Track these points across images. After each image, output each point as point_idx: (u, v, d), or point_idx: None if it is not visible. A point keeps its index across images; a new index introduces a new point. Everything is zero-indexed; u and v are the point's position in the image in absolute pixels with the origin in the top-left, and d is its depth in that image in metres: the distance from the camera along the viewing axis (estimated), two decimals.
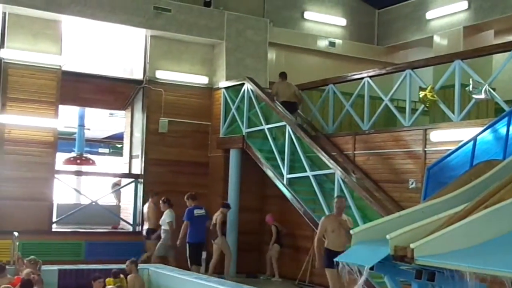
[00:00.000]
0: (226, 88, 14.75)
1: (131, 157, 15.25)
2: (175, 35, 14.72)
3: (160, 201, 13.39)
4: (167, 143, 14.71)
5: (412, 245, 5.38)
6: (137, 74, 14.91)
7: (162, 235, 13.21)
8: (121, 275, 10.16)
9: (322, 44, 16.93)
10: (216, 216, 13.24)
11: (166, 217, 13.23)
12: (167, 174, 14.58)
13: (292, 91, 14.30)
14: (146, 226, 13.90)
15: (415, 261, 5.37)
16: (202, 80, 15.21)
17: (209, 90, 15.24)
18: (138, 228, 14.46)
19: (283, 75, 14.65)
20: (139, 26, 14.33)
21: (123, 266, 10.56)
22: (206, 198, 14.85)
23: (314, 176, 11.93)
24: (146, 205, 13.95)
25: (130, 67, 15.18)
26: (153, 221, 13.61)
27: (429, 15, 16.23)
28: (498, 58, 12.73)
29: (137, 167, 14.77)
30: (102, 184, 18.33)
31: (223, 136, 14.67)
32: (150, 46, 14.73)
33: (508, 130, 7.63)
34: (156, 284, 10.99)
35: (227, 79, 14.81)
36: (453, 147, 9.16)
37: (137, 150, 14.90)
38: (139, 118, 14.90)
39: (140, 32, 14.63)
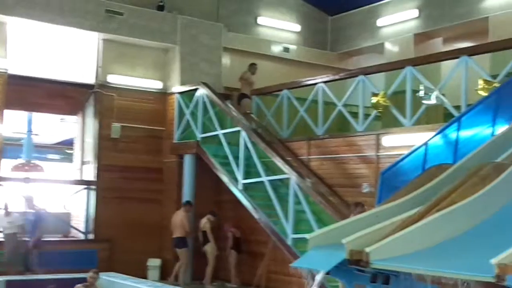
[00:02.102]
0: (180, 93, 14.70)
1: (82, 163, 15.04)
2: (127, 39, 14.60)
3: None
4: (120, 148, 14.57)
5: (367, 249, 5.45)
6: (89, 79, 14.70)
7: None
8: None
9: (276, 49, 17.03)
10: (204, 224, 13.25)
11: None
12: (120, 180, 14.43)
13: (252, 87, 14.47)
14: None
15: (370, 265, 5.44)
16: (156, 84, 15.12)
17: (163, 95, 15.16)
18: (90, 236, 14.24)
19: (253, 67, 14.81)
20: (90, 29, 14.16)
21: (76, 275, 10.41)
22: (160, 204, 14.79)
23: (269, 181, 11.97)
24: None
25: (82, 71, 14.96)
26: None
27: (380, 22, 16.48)
28: (447, 65, 12.99)
29: (89, 174, 14.58)
30: (52, 191, 17.97)
31: (177, 142, 14.60)
32: (102, 50, 14.56)
33: (457, 135, 7.81)
34: None
35: (181, 84, 14.76)
36: (405, 152, 9.32)
37: (89, 156, 14.71)
38: (91, 124, 14.71)
39: (91, 35, 14.45)
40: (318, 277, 5.91)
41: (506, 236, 5.07)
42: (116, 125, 14.49)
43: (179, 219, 13.49)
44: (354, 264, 5.65)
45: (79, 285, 10.17)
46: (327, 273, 5.98)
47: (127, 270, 12.36)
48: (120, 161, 14.50)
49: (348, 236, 5.79)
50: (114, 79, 14.62)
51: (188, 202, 13.60)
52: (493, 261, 4.37)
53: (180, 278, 13.40)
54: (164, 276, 14.10)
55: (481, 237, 5.44)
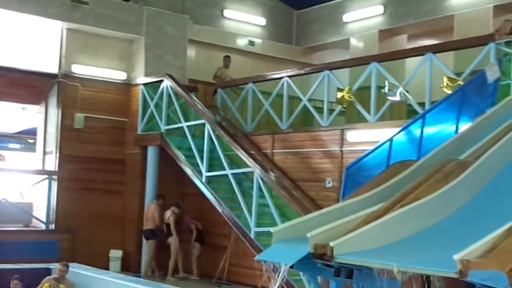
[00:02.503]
0: (145, 84, 14.58)
1: (44, 153, 14.83)
2: (92, 29, 14.42)
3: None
4: (83, 139, 14.40)
5: (331, 243, 5.48)
6: (52, 68, 14.46)
7: None
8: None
9: (242, 42, 17.00)
10: (168, 216, 13.23)
11: None
12: (82, 171, 14.27)
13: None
14: (147, 227, 13.57)
15: (334, 259, 5.47)
16: (120, 75, 14.97)
17: (127, 86, 15.02)
18: (51, 226, 14.07)
19: (228, 60, 14.85)
20: (55, 18, 13.93)
21: (36, 266, 10.28)
22: (122, 195, 14.69)
23: (233, 174, 11.96)
24: (149, 207, 13.64)
25: (45, 60, 14.71)
26: (154, 222, 13.43)
27: (346, 17, 16.56)
28: (411, 62, 13.13)
29: (51, 164, 14.38)
30: (13, 181, 17.73)
31: (141, 133, 14.49)
32: (66, 39, 14.35)
33: (422, 132, 7.90)
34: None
35: (145, 75, 14.63)
36: (368, 147, 9.39)
37: (51, 146, 14.50)
38: (54, 113, 14.49)
39: (55, 24, 14.23)
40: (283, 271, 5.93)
41: (469, 232, 5.14)
42: (80, 116, 14.32)
43: (150, 212, 13.51)
44: (318, 258, 5.68)
45: (48, 277, 10.05)
46: (291, 267, 6.01)
47: (88, 261, 12.26)
48: (83, 151, 14.34)
49: (312, 230, 5.81)
50: (78, 69, 14.43)
51: (160, 196, 13.53)
52: (456, 257, 4.43)
53: (143, 268, 13.48)
54: (125, 267, 14.01)
55: (444, 233, 5.51)
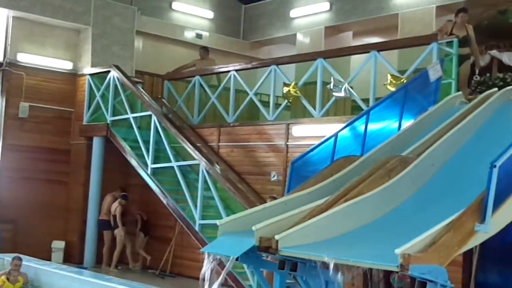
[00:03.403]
0: (91, 75, 14.40)
1: None
2: (39, 18, 14.13)
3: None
4: (27, 128, 14.13)
5: (276, 237, 5.57)
6: None
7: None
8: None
9: (189, 35, 16.96)
10: (115, 208, 13.20)
11: None
12: (25, 160, 14.01)
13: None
14: (101, 217, 13.62)
15: (279, 252, 5.57)
16: (66, 65, 14.75)
17: (73, 76, 14.81)
18: None
19: (204, 51, 14.74)
20: (0, 6, 13.64)
21: None
22: (67, 186, 14.52)
23: (179, 166, 11.97)
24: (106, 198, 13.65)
25: None
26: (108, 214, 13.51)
27: (293, 13, 16.69)
28: (356, 58, 13.36)
29: None
30: None
31: (87, 124, 14.33)
32: (12, 28, 14.05)
33: (366, 128, 8.06)
34: None
35: (92, 66, 14.45)
36: (313, 142, 9.53)
37: None
38: None
39: (1, 12, 13.92)
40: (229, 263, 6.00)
41: (411, 227, 5.30)
42: (24, 105, 14.05)
43: (106, 203, 13.55)
44: (263, 251, 5.77)
45: (3, 271, 9.89)
46: (236, 259, 6.08)
47: (31, 251, 12.03)
48: (27, 141, 14.09)
49: (258, 223, 5.90)
50: (23, 57, 14.15)
51: (124, 196, 13.46)
52: (397, 251, 4.56)
53: (104, 259, 13.49)
54: (67, 258, 13.86)
55: (386, 227, 5.67)
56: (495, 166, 5.11)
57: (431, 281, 4.57)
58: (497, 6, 12.76)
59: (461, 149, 7.03)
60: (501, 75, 11.92)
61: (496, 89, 8.84)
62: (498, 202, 5.24)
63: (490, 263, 7.60)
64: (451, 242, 4.90)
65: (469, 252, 8.14)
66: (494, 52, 12.25)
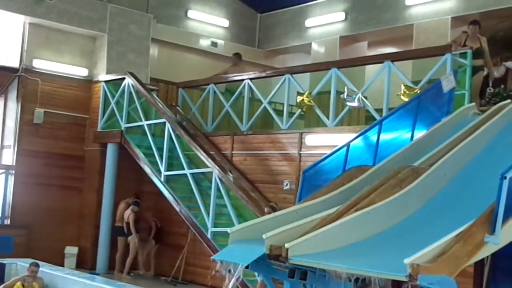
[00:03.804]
0: (106, 81, 14.53)
1: (2, 147, 14.64)
2: (55, 24, 14.31)
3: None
4: (42, 134, 14.28)
5: (286, 245, 5.59)
6: (13, 62, 14.30)
7: None
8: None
9: (205, 43, 17.04)
10: (128, 215, 13.31)
11: None
12: (40, 166, 14.15)
13: None
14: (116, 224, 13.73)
15: (289, 261, 5.59)
16: (82, 72, 14.89)
17: (89, 82, 14.95)
18: (6, 221, 13.91)
19: (236, 57, 14.74)
20: (18, 12, 13.81)
21: None
22: (81, 192, 14.62)
23: (192, 174, 12.02)
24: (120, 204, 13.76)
25: (6, 54, 14.54)
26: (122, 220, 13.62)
27: (308, 22, 16.73)
28: (370, 68, 13.37)
29: (9, 158, 14.22)
30: None
31: (101, 130, 14.44)
32: (28, 34, 14.22)
33: (378, 138, 8.07)
34: None
35: (107, 73, 14.59)
36: (326, 151, 9.53)
37: (9, 140, 14.32)
38: (13, 107, 14.30)
39: (18, 18, 14.09)
40: (237, 271, 6.02)
41: (420, 238, 5.30)
42: (39, 111, 14.20)
43: (120, 210, 13.65)
44: (273, 259, 5.79)
45: (19, 276, 9.96)
46: (246, 267, 6.10)
47: (44, 257, 12.13)
48: (42, 147, 14.23)
49: (268, 231, 5.92)
50: (39, 64, 14.31)
51: (136, 203, 13.53)
52: (406, 261, 4.57)
53: (116, 265, 13.54)
54: (80, 264, 13.94)
55: (396, 237, 5.67)
56: (505, 177, 5.11)
57: None
58: (511, 18, 12.75)
59: (473, 160, 7.02)
60: None
61: (509, 100, 8.82)
62: (508, 214, 5.23)
63: (502, 274, 7.56)
64: (460, 253, 4.89)
65: (481, 263, 8.09)
66: (509, 64, 12.22)
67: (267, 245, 5.78)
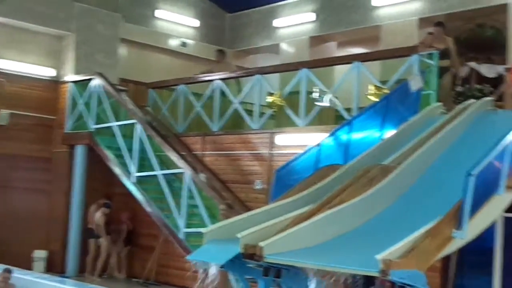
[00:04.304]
0: (74, 82, 14.42)
1: None
2: (20, 24, 14.07)
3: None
4: (8, 136, 13.97)
5: (261, 244, 5.69)
6: None
7: None
8: None
9: (174, 43, 17.02)
10: (99, 217, 13.26)
11: None
12: (6, 169, 13.95)
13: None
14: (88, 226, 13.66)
15: (264, 259, 5.68)
16: (48, 72, 14.70)
17: (56, 83, 14.76)
18: None
19: (220, 54, 14.65)
20: None
21: None
22: (49, 195, 14.48)
23: (163, 175, 12.02)
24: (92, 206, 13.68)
25: None
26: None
27: (277, 23, 16.82)
28: (339, 68, 13.51)
29: None
30: None
31: (69, 132, 14.33)
32: None
33: (348, 138, 8.21)
34: None
35: (75, 73, 14.46)
36: (297, 151, 9.65)
37: None
38: None
39: None
40: (213, 271, 6.09)
41: (390, 234, 5.43)
42: (5, 112, 14.00)
43: (90, 212, 13.61)
44: (248, 258, 5.87)
45: None
46: (221, 267, 6.17)
47: (11, 261, 11.87)
48: (7, 149, 13.98)
49: (242, 231, 6.00)
50: (4, 64, 14.06)
51: (107, 205, 13.50)
52: (378, 257, 4.70)
53: (88, 268, 13.48)
54: (50, 268, 13.84)
55: (368, 234, 5.80)
56: (471, 175, 5.26)
57: (410, 285, 4.71)
58: (475, 20, 13.01)
59: (439, 158, 7.20)
60: (479, 86, 12.14)
61: (474, 100, 9.04)
62: (474, 209, 5.39)
63: (468, 268, 7.76)
64: (429, 248, 5.04)
65: (447, 258, 8.29)
66: (472, 64, 12.47)
67: (242, 244, 5.86)
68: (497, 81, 11.90)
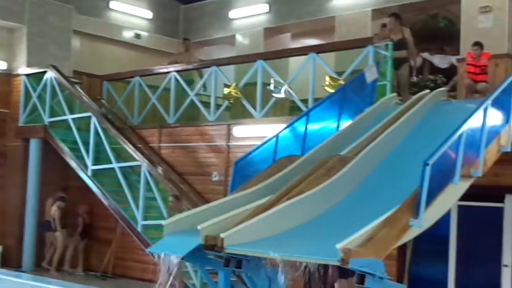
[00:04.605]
0: (27, 75, 14.19)
1: None
2: None
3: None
4: None
5: (222, 235, 5.73)
6: None
7: None
8: None
9: (128, 35, 16.86)
10: (54, 212, 13.12)
11: None
12: None
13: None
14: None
15: (224, 250, 5.73)
16: (0, 65, 14.48)
17: (8, 76, 14.49)
18: None
19: (186, 43, 14.56)
20: None
21: None
22: (3, 189, 14.26)
23: (120, 168, 11.96)
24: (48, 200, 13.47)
25: None
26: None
27: (232, 14, 16.80)
28: (294, 59, 13.61)
29: None
30: None
31: (23, 125, 14.11)
32: None
33: (306, 129, 8.30)
34: None
35: (28, 66, 14.23)
36: (254, 142, 9.72)
37: None
38: None
39: None
40: (173, 262, 6.11)
41: (350, 223, 5.54)
42: None
43: (47, 205, 13.49)
44: (209, 249, 5.91)
45: None
46: (182, 259, 6.20)
47: None
48: None
49: (203, 222, 6.04)
50: None
51: (62, 198, 13.33)
52: (338, 246, 4.80)
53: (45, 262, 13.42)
54: (5, 262, 13.63)
55: (327, 224, 5.90)
56: (427, 164, 5.40)
57: (369, 273, 4.82)
58: (428, 11, 13.24)
59: (396, 148, 7.35)
60: (432, 76, 12.40)
61: (428, 90, 9.23)
62: (430, 199, 5.54)
63: (423, 256, 7.97)
64: (387, 237, 5.17)
65: (404, 246, 8.48)
66: (425, 55, 12.73)
67: (203, 235, 5.90)
68: (449, 72, 12.19)
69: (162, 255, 5.98)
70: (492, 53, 10.29)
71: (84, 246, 13.50)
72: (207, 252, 5.95)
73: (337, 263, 4.78)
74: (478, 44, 10.01)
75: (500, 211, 8.76)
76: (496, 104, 7.06)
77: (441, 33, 13.11)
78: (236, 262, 5.99)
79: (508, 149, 7.57)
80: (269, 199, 6.40)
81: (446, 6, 12.81)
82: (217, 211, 6.43)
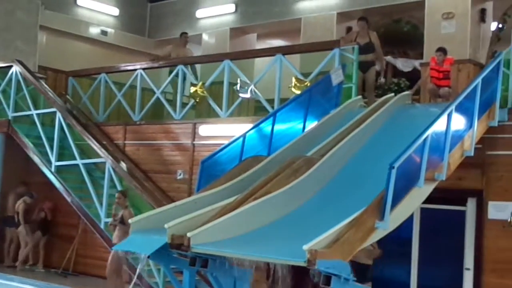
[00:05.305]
0: None
1: None
2: None
3: None
4: None
5: (188, 234, 5.77)
6: None
7: None
8: None
9: (94, 32, 16.75)
10: (18, 205, 12.96)
11: None
12: None
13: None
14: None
15: (191, 249, 5.77)
16: None
17: None
18: None
19: (185, 38, 14.45)
20: None
21: None
22: None
23: (84, 164, 11.89)
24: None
25: None
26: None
27: (199, 13, 16.82)
28: (260, 60, 13.71)
29: None
30: None
31: None
32: None
33: (272, 129, 8.39)
34: None
35: None
36: (219, 141, 9.77)
37: None
38: None
39: None
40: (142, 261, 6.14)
41: (315, 224, 5.64)
42: None
43: (10, 200, 13.36)
44: (175, 248, 5.95)
45: None
46: (148, 257, 6.23)
47: None
48: None
49: (169, 221, 6.07)
50: None
51: (30, 194, 13.17)
52: (305, 247, 4.88)
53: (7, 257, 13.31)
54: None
55: (294, 224, 5.99)
56: (393, 167, 5.52)
57: (335, 275, 4.91)
58: (392, 15, 13.45)
59: (361, 150, 7.47)
60: (395, 80, 12.61)
61: (392, 94, 9.40)
62: (396, 201, 5.66)
63: (386, 257, 8.09)
64: (353, 238, 5.27)
65: None
66: (389, 58, 12.93)
67: (169, 234, 5.93)
68: (412, 75, 12.40)
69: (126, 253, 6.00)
70: (455, 59, 10.50)
71: (45, 242, 13.36)
72: (173, 251, 5.99)
73: (304, 264, 4.86)
74: (441, 50, 10.20)
75: (462, 214, 8.90)
76: (460, 109, 7.23)
77: (405, 37, 13.33)
78: (202, 261, 6.03)
79: (471, 154, 7.75)
80: (236, 199, 6.46)
81: (410, 11, 13.03)
82: (184, 210, 6.47)
